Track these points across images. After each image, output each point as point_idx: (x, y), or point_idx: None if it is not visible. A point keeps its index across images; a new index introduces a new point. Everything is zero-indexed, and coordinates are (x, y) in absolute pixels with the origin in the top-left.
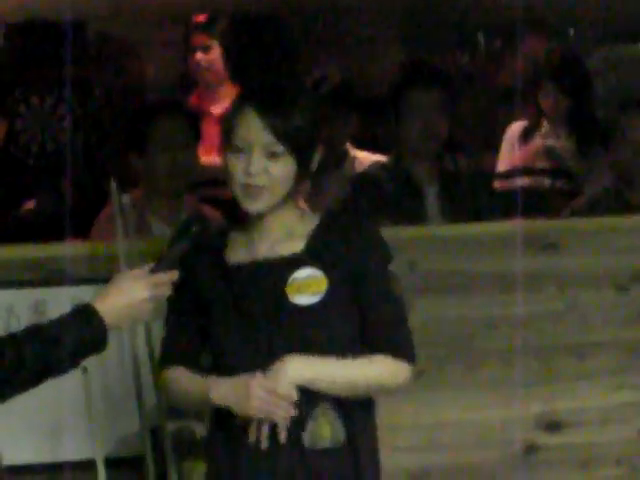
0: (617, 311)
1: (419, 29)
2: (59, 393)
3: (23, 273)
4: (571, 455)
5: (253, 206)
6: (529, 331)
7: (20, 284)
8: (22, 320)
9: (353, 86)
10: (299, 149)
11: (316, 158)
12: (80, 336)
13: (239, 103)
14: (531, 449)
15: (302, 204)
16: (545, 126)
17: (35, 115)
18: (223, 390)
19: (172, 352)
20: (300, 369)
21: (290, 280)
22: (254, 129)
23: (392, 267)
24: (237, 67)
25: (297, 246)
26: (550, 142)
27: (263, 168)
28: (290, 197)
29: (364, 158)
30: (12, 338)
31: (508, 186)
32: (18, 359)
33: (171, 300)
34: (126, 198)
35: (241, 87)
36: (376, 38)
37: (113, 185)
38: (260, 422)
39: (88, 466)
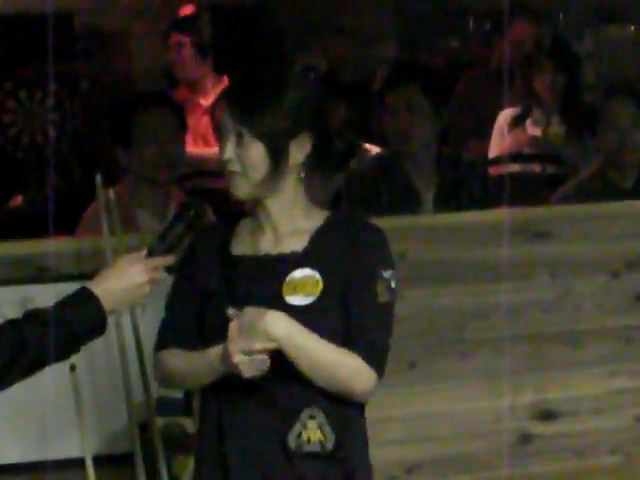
0: (610, 298)
1: (410, 14)
2: (45, 391)
3: (10, 271)
4: (565, 444)
5: (234, 191)
6: (521, 320)
7: (6, 281)
8: (9, 317)
9: (340, 73)
10: (265, 134)
11: (295, 149)
12: (79, 319)
13: (216, 97)
14: (524, 439)
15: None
16: (535, 113)
17: (24, 109)
18: (220, 357)
19: (169, 336)
20: (276, 324)
21: (287, 280)
22: (224, 117)
23: (392, 275)
24: (221, 60)
25: (299, 244)
26: (539, 129)
27: (235, 154)
28: (275, 187)
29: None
30: (12, 323)
31: (498, 173)
32: (20, 343)
33: (173, 285)
34: (112, 192)
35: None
36: (366, 24)
37: (98, 180)
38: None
39: (77, 464)
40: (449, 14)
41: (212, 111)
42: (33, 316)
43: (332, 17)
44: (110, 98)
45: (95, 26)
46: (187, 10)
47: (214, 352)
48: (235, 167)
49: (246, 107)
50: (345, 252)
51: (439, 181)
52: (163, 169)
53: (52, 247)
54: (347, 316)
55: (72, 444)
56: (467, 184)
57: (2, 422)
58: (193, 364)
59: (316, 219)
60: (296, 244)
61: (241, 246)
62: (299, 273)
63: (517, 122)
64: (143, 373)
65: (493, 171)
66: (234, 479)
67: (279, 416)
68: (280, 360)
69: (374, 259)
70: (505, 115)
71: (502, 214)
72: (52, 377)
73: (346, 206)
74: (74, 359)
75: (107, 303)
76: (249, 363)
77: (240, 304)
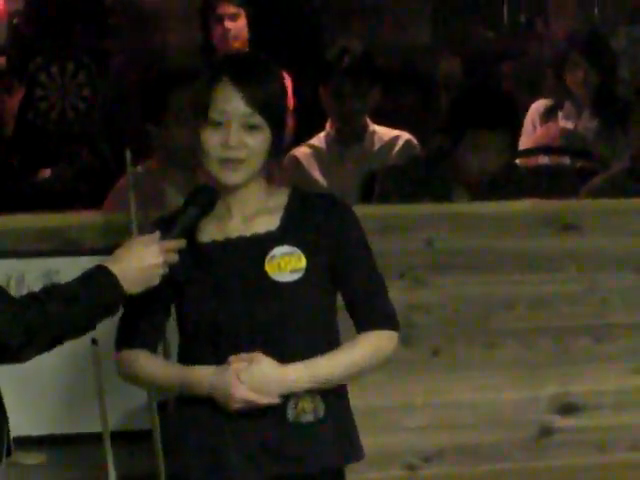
0: (636, 294)
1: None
2: (66, 364)
3: (35, 243)
4: (586, 438)
5: (231, 179)
6: (547, 312)
7: (32, 254)
8: (33, 290)
9: (375, 58)
10: (275, 121)
11: (287, 129)
12: (98, 297)
13: (213, 76)
14: (546, 431)
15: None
16: (567, 106)
17: (55, 84)
18: (206, 384)
19: (133, 334)
20: (286, 381)
21: (269, 258)
22: (232, 101)
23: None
24: (259, 37)
25: (271, 223)
26: (571, 122)
27: (241, 140)
28: (263, 171)
29: (384, 133)
30: (34, 298)
31: (529, 164)
32: (43, 319)
33: None
34: (141, 168)
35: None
36: (401, 10)
37: (127, 155)
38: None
39: (95, 439)
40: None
41: (203, 95)
42: (54, 292)
43: (365, 2)
44: (142, 74)
45: (127, 1)
46: None
47: (200, 375)
48: (241, 154)
49: (262, 96)
50: (324, 227)
51: (475, 192)
52: (192, 150)
53: (79, 220)
54: (347, 288)
55: (90, 419)
56: (501, 191)
57: (20, 394)
58: (168, 376)
59: (279, 197)
60: (268, 223)
61: (207, 233)
62: (279, 250)
63: (549, 115)
64: (165, 350)
65: (523, 162)
66: (231, 458)
67: None
68: (270, 340)
69: (361, 232)
70: (537, 107)
71: (531, 205)
72: (73, 350)
73: (379, 198)
74: (95, 333)
75: (123, 282)
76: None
77: (222, 290)
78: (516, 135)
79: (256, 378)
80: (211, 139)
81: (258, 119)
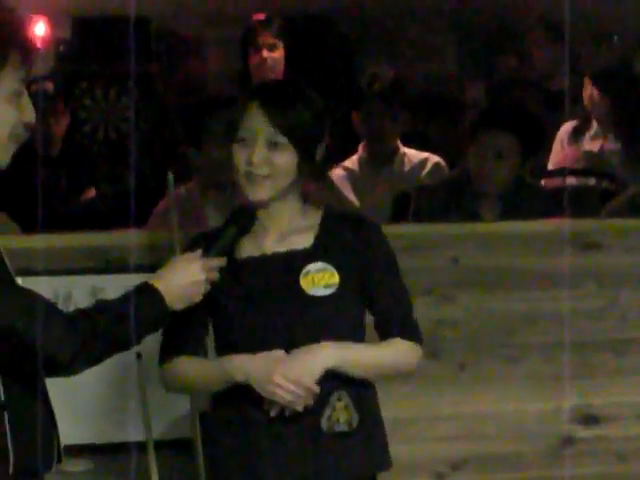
0: None
1: (471, 31)
2: (114, 377)
3: (82, 261)
4: (607, 448)
5: (256, 195)
6: (568, 327)
7: (78, 271)
8: (80, 306)
9: (405, 85)
10: (300, 140)
11: (320, 151)
12: (144, 312)
13: (246, 98)
14: (568, 441)
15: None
16: (594, 127)
17: (99, 107)
18: (246, 367)
19: (176, 345)
20: (325, 358)
21: (304, 273)
22: (257, 121)
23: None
24: (293, 65)
25: (305, 241)
26: (596, 144)
27: (265, 158)
28: (294, 189)
29: (413, 155)
30: (84, 314)
31: (555, 185)
32: (92, 333)
33: None
34: (183, 189)
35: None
36: (429, 39)
37: (170, 177)
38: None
39: (139, 447)
40: (508, 31)
41: (235, 115)
42: (102, 308)
43: (400, 29)
44: (182, 99)
45: (171, 31)
46: (260, 17)
47: (239, 359)
48: (263, 171)
49: (286, 116)
50: (354, 247)
51: (503, 209)
52: (230, 172)
53: (123, 239)
54: (375, 304)
55: (134, 428)
56: (529, 211)
57: (69, 405)
58: (207, 369)
59: (313, 216)
60: (302, 241)
61: (244, 250)
62: (313, 267)
63: (576, 136)
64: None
65: (550, 183)
66: (266, 467)
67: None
68: None
69: (388, 250)
70: (566, 128)
71: (554, 224)
72: (118, 363)
73: (414, 216)
74: (139, 347)
75: (167, 299)
76: (286, 388)
77: (259, 305)
78: (529, 142)
79: (292, 362)
80: (239, 155)
81: (281, 138)
